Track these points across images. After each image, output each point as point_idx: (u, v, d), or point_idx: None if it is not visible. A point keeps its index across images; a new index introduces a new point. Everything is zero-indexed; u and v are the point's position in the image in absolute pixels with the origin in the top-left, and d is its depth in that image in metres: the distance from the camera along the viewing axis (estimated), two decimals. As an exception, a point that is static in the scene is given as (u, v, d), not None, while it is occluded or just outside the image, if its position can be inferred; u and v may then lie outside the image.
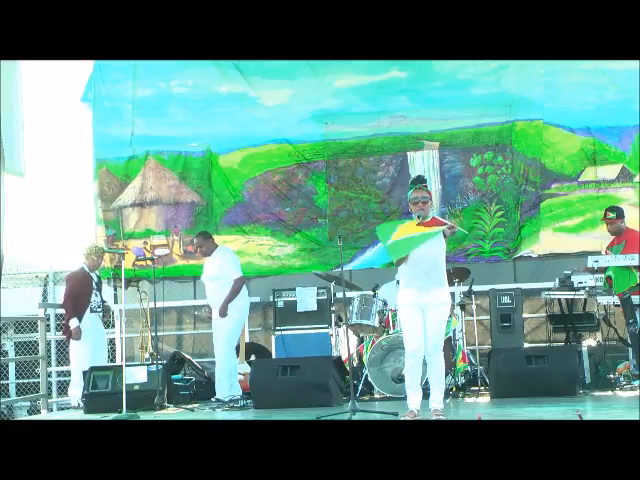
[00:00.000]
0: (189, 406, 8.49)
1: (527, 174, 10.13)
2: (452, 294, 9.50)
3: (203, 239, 9.14)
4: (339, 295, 8.86)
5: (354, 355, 9.01)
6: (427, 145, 10.37)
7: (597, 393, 8.30)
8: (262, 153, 10.67)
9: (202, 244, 9.11)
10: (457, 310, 9.13)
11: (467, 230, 10.15)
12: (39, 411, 10.21)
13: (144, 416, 7.72)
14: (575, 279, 8.64)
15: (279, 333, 9.42)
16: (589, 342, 9.19)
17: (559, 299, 9.13)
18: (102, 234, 10.70)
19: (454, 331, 8.80)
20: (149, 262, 9.59)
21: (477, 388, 8.78)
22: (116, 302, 10.56)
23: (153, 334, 9.30)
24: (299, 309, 9.33)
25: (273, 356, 9.49)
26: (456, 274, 9.30)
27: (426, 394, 6.82)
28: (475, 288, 9.16)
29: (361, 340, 9.17)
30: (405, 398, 6.83)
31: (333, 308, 9.28)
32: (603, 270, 8.48)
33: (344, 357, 8.63)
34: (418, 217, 6.56)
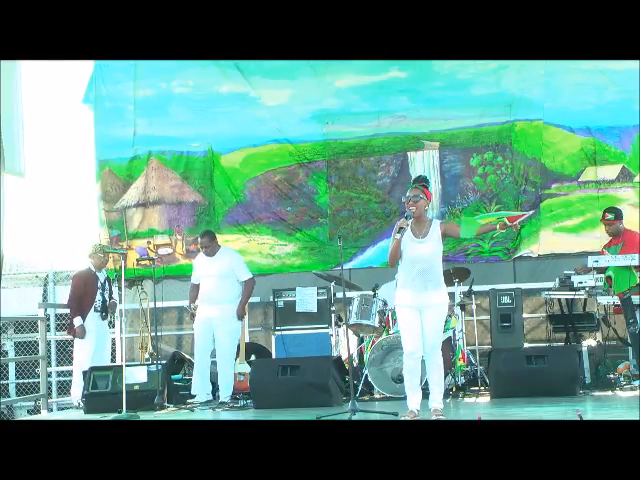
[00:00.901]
0: (189, 406, 8.49)
1: (527, 174, 10.13)
2: (452, 294, 9.53)
3: (209, 240, 9.15)
4: (339, 295, 8.86)
5: (354, 355, 9.01)
6: (427, 145, 10.37)
7: (597, 393, 8.30)
8: (263, 153, 10.67)
9: (209, 245, 9.13)
10: (457, 310, 9.13)
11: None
12: (39, 411, 10.21)
13: (144, 416, 7.73)
14: (575, 279, 8.65)
15: (279, 333, 9.42)
16: (589, 342, 9.18)
17: (559, 299, 9.13)
18: (105, 235, 10.70)
19: (454, 331, 8.81)
20: (150, 262, 9.60)
21: (477, 388, 8.78)
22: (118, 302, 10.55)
23: (153, 334, 9.30)
24: (299, 309, 9.34)
25: (273, 356, 9.49)
26: (456, 274, 9.30)
27: (426, 394, 6.82)
28: (475, 288, 9.16)
29: (361, 340, 9.17)
30: (405, 398, 6.84)
31: (333, 308, 9.28)
32: (603, 270, 8.49)
33: (344, 357, 8.64)
34: (406, 217, 6.56)
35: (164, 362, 8.98)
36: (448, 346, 8.63)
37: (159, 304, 8.99)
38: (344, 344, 8.41)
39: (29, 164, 9.27)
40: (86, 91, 10.90)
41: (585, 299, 9.08)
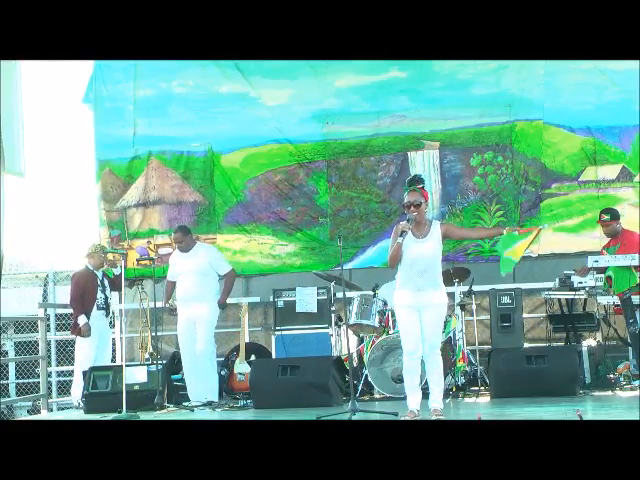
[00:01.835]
0: (189, 406, 8.49)
1: (527, 174, 10.12)
2: (452, 294, 9.54)
3: (182, 234, 9.08)
4: (339, 295, 8.86)
5: (354, 355, 9.02)
6: (427, 145, 10.36)
7: (597, 393, 8.30)
8: (263, 153, 10.66)
9: (182, 239, 9.06)
10: (457, 310, 9.14)
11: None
12: (39, 411, 10.21)
13: (144, 416, 7.73)
14: (575, 279, 8.65)
15: (279, 333, 9.41)
16: (589, 342, 9.18)
17: (559, 299, 9.13)
18: (105, 235, 10.70)
19: (454, 331, 8.81)
20: (150, 261, 9.60)
21: (477, 388, 8.78)
22: (118, 302, 10.56)
23: (153, 334, 9.31)
24: (299, 309, 9.33)
25: (273, 356, 9.49)
26: (456, 274, 9.31)
27: (426, 394, 6.82)
28: (475, 288, 9.16)
29: (361, 340, 9.17)
30: (405, 398, 6.84)
31: (333, 308, 9.28)
32: (603, 270, 8.49)
33: (344, 357, 8.64)
34: (408, 220, 6.56)
35: (164, 362, 8.98)
36: (448, 346, 8.63)
37: (159, 304, 8.99)
38: (344, 344, 8.41)
39: (29, 164, 9.29)
40: (86, 91, 10.90)
41: (585, 299, 9.08)
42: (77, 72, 11.67)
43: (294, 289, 9.41)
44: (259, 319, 11.08)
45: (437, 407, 6.62)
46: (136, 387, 8.48)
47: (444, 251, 9.59)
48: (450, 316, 8.98)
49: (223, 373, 9.42)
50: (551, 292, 8.99)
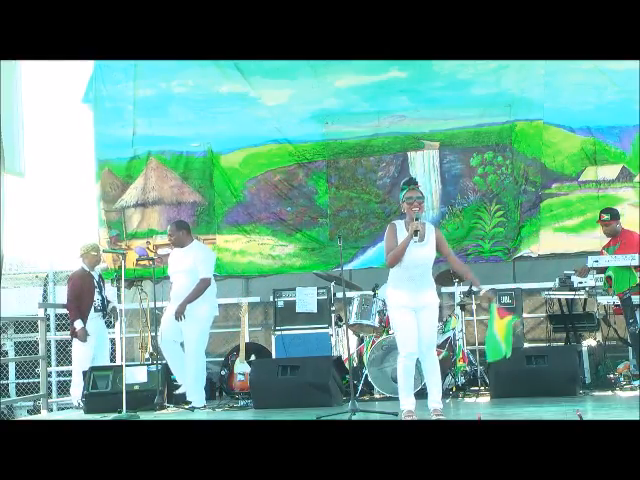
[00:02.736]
0: (189, 406, 8.49)
1: (527, 174, 10.12)
2: (452, 294, 9.55)
3: (175, 229, 8.74)
4: (339, 295, 8.86)
5: (354, 355, 9.02)
6: (427, 145, 10.36)
7: (597, 393, 8.30)
8: (263, 153, 10.66)
9: (172, 234, 8.73)
10: (457, 310, 9.14)
11: (467, 230, 10.17)
12: (39, 411, 10.21)
13: (144, 416, 7.73)
14: (575, 279, 8.65)
15: (279, 333, 9.42)
16: (589, 342, 9.19)
17: (559, 299, 9.13)
18: (105, 235, 10.70)
19: (454, 331, 8.81)
20: (150, 262, 9.59)
21: (477, 388, 8.78)
22: (118, 302, 10.55)
23: (153, 334, 9.30)
24: (299, 309, 9.33)
25: (273, 356, 9.49)
26: (456, 274, 9.30)
27: (424, 394, 6.81)
28: (475, 288, 9.14)
29: (361, 340, 9.17)
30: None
31: (333, 308, 9.28)
32: (603, 270, 8.49)
33: (344, 357, 8.64)
34: (416, 218, 6.54)
35: (164, 362, 8.98)
36: (448, 346, 8.64)
37: (159, 304, 8.99)
38: (344, 344, 8.41)
39: (29, 164, 9.28)
40: (86, 91, 10.90)
41: (585, 299, 9.08)
42: (77, 72, 11.67)
43: (294, 289, 9.41)
44: (259, 319, 11.08)
45: (437, 407, 6.61)
46: (136, 387, 8.48)
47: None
48: (450, 316, 8.99)
49: (223, 373, 9.43)
50: (551, 292, 8.99)
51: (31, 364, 12.12)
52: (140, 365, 8.93)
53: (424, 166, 10.33)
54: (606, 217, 8.75)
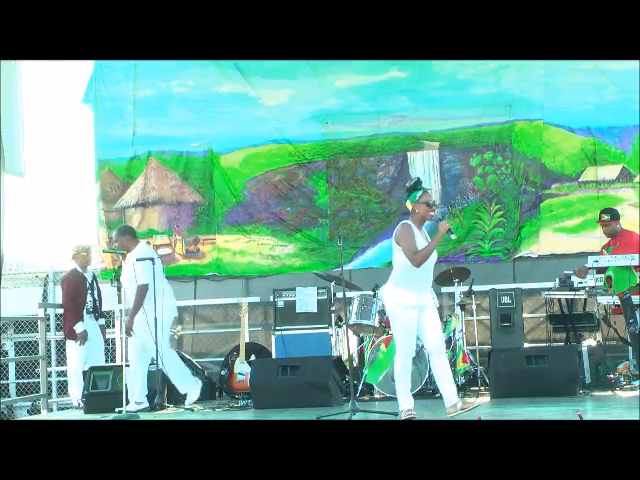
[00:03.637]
0: (189, 406, 8.49)
1: (527, 174, 10.12)
2: (452, 294, 9.55)
3: (119, 234, 8.55)
4: (339, 295, 8.86)
5: (354, 355, 9.02)
6: (427, 145, 10.36)
7: (597, 393, 8.30)
8: (263, 153, 10.66)
9: (117, 239, 8.52)
10: (457, 310, 9.14)
11: (467, 230, 10.17)
12: (39, 411, 10.20)
13: (144, 416, 7.73)
14: (575, 279, 8.65)
15: (279, 333, 9.41)
16: (589, 342, 9.18)
17: (559, 299, 9.13)
18: (104, 235, 10.70)
19: (454, 331, 8.81)
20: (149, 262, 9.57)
21: (477, 388, 8.78)
22: (118, 302, 10.55)
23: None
24: (299, 309, 9.32)
25: (273, 356, 9.49)
26: (456, 274, 9.31)
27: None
28: (475, 288, 9.16)
29: (361, 340, 9.17)
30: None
31: (333, 308, 9.28)
32: (603, 270, 8.49)
33: (344, 357, 8.64)
34: (441, 219, 6.75)
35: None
36: (448, 346, 8.64)
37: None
38: (344, 344, 8.41)
39: (29, 164, 9.28)
40: (86, 91, 10.91)
41: (585, 299, 9.08)
42: (77, 72, 11.65)
43: (294, 289, 9.40)
44: (259, 319, 11.07)
45: (458, 401, 6.66)
46: (136, 387, 8.46)
47: (444, 251, 9.66)
48: (450, 316, 8.99)
49: (223, 373, 9.42)
50: (551, 292, 8.99)
51: (31, 364, 12.10)
52: (140, 365, 8.91)
53: (424, 166, 10.33)
54: (606, 217, 8.74)
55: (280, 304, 9.43)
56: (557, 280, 8.92)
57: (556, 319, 9.34)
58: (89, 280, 9.49)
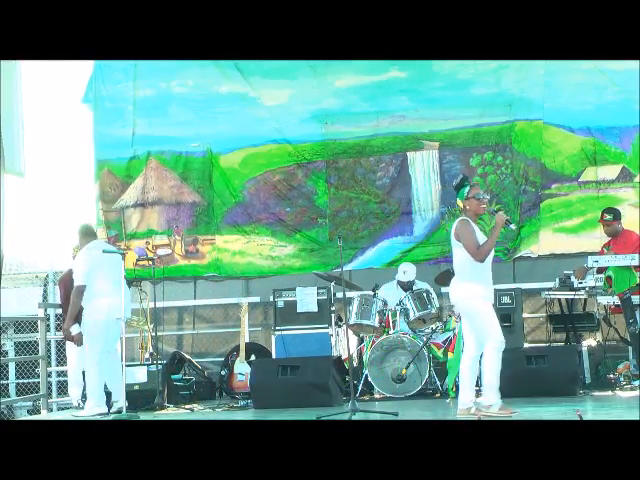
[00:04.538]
0: (189, 406, 8.49)
1: (527, 174, 10.11)
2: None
3: (78, 234, 8.45)
4: (339, 295, 8.86)
5: (354, 355, 9.01)
6: (427, 145, 10.36)
7: (597, 393, 8.30)
8: (262, 153, 10.65)
9: (79, 240, 8.46)
10: (457, 310, 9.13)
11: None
12: (39, 411, 10.20)
13: (144, 416, 7.73)
14: (575, 280, 8.65)
15: (279, 333, 9.41)
16: (589, 342, 9.19)
17: (559, 299, 9.13)
18: (103, 235, 10.68)
19: (454, 331, 8.80)
20: (150, 262, 9.58)
21: (477, 388, 8.76)
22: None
23: (153, 334, 9.30)
24: (299, 309, 9.32)
25: (273, 356, 9.49)
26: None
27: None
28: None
29: (361, 340, 9.17)
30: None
31: (333, 308, 9.28)
32: (603, 270, 8.49)
33: (344, 357, 8.64)
34: (497, 211, 6.86)
35: (164, 362, 8.98)
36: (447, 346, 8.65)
37: (159, 304, 8.98)
38: (344, 344, 8.41)
39: (29, 164, 9.28)
40: (86, 91, 10.90)
41: (585, 299, 9.08)
42: (77, 72, 11.64)
43: (294, 289, 9.40)
44: (259, 319, 11.07)
45: (499, 403, 6.75)
46: (136, 387, 8.48)
47: (445, 251, 9.65)
48: (450, 316, 8.98)
49: (223, 373, 9.43)
50: (551, 292, 8.99)
51: (31, 364, 12.09)
52: (140, 365, 8.92)
53: (424, 166, 10.33)
54: (609, 217, 8.74)
55: (280, 304, 9.43)
56: (557, 280, 8.92)
57: (556, 319, 9.34)
58: None
